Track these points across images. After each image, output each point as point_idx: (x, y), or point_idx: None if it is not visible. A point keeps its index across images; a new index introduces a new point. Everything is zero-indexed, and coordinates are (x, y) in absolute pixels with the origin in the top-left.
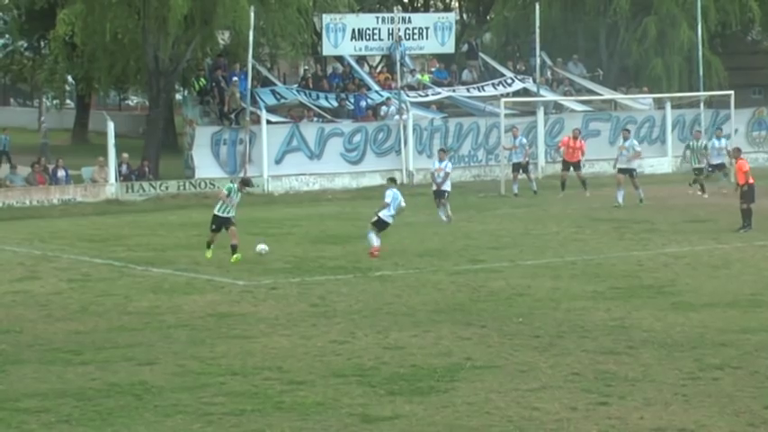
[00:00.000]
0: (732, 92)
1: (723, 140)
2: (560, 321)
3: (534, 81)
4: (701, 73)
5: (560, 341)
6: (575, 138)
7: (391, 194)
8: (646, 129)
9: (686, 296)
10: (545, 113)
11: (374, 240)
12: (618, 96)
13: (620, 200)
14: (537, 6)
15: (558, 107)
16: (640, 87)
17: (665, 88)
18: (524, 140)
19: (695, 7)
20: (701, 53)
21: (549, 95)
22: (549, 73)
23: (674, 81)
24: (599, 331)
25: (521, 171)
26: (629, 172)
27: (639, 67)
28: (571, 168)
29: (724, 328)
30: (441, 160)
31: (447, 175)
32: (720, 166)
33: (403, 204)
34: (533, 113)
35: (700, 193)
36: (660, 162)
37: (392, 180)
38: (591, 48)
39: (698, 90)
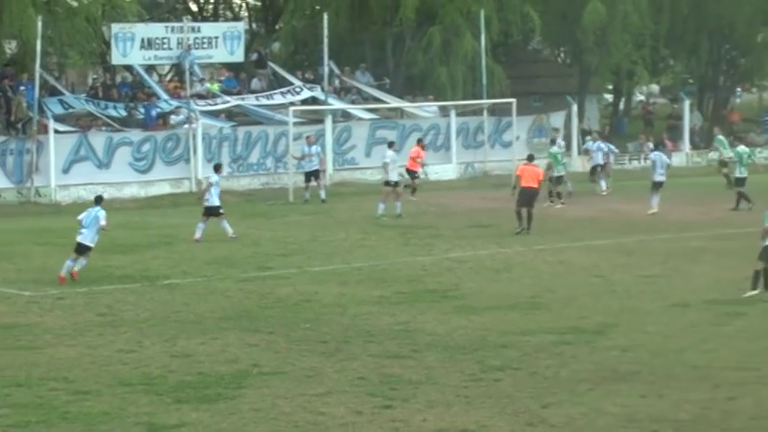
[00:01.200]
0: (514, 100)
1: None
2: (347, 326)
3: (323, 90)
4: (484, 81)
5: (346, 346)
6: (422, 147)
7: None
8: (431, 136)
9: (469, 300)
10: (333, 122)
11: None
12: (404, 105)
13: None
14: (325, 16)
15: (346, 115)
16: (426, 96)
17: (449, 96)
18: (319, 149)
19: (478, 17)
20: (484, 62)
21: (337, 104)
22: (337, 82)
23: (459, 89)
24: (384, 335)
25: (312, 179)
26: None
27: (425, 76)
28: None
29: (505, 331)
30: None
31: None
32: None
33: (102, 223)
34: (322, 122)
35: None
36: (445, 169)
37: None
38: (378, 57)
39: (481, 98)
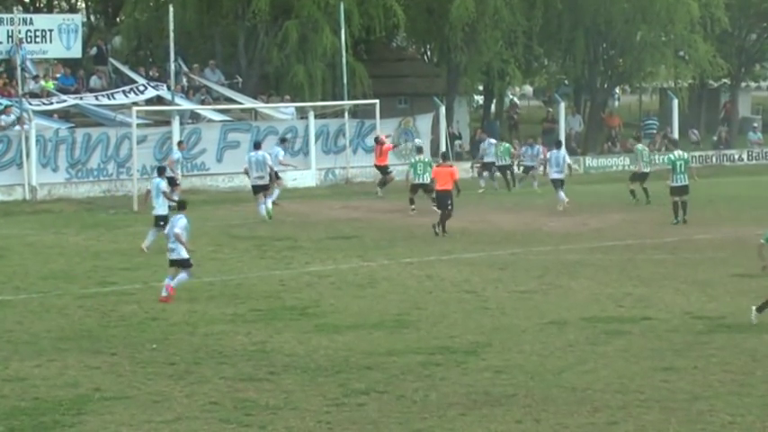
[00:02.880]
0: (377, 101)
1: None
2: (197, 347)
3: (169, 88)
4: (345, 81)
5: (197, 368)
6: (381, 143)
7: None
8: (288, 140)
9: (331, 317)
10: (181, 123)
11: None
12: (258, 105)
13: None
14: (170, 8)
15: (195, 116)
16: (282, 96)
17: (307, 97)
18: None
19: (338, 11)
20: (344, 60)
21: (184, 104)
22: (184, 80)
23: (317, 89)
24: (239, 357)
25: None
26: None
27: (281, 75)
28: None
29: (370, 351)
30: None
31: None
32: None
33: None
34: (168, 123)
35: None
36: (303, 175)
37: None
38: (229, 53)
39: (342, 99)
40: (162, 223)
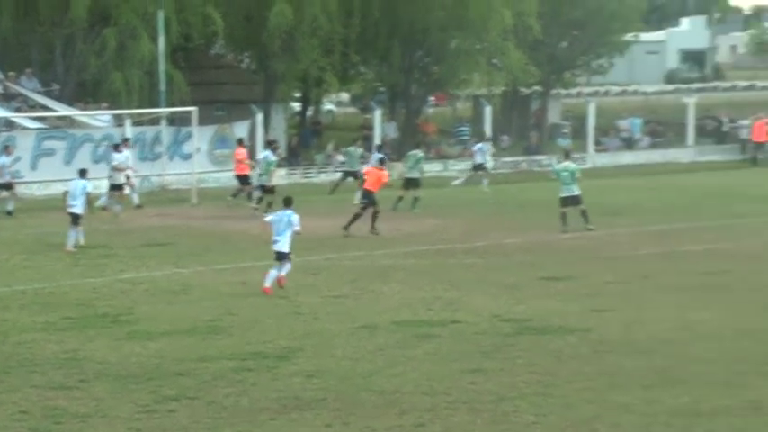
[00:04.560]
0: (195, 108)
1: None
2: (8, 355)
3: None
4: (162, 88)
5: (7, 377)
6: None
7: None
8: (104, 148)
9: (144, 324)
10: None
11: None
12: (74, 113)
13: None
14: None
15: (10, 125)
16: (99, 103)
17: (124, 104)
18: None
19: (157, 19)
20: (162, 67)
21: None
22: (0, 88)
23: (135, 96)
24: (50, 365)
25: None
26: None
27: (98, 82)
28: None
29: (182, 357)
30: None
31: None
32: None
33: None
34: None
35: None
36: None
37: None
38: (46, 60)
39: (159, 106)
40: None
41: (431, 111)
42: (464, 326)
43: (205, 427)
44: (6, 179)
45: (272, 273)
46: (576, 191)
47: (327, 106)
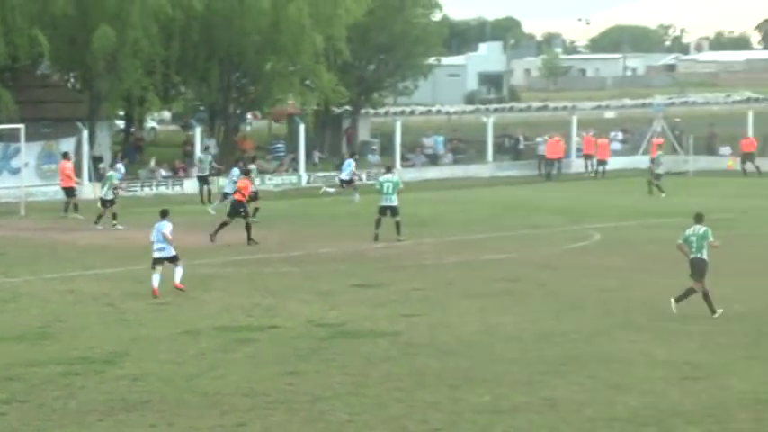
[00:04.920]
0: (22, 125)
1: None
2: None
3: None
4: None
5: None
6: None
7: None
8: None
9: None
10: None
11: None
12: None
13: None
14: None
15: None
16: None
17: None
18: None
19: None
20: None
21: None
22: None
23: None
24: None
25: None
26: None
27: None
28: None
29: (11, 363)
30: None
31: None
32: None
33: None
34: None
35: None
36: None
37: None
38: None
39: None
40: None
41: (248, 128)
42: (281, 331)
43: (35, 429)
44: None
45: (156, 276)
46: (395, 202)
47: (150, 124)
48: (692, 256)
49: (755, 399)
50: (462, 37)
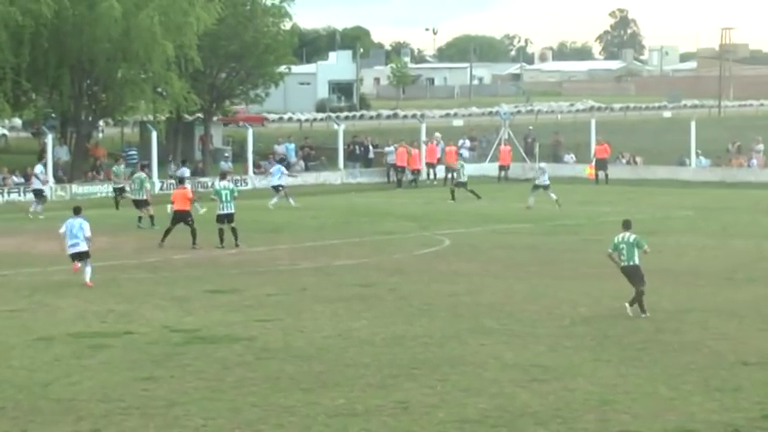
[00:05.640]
0: None
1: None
2: None
3: None
4: None
5: None
6: None
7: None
8: None
9: None
10: None
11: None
12: None
13: None
14: None
15: None
16: None
17: None
18: None
19: None
20: None
21: None
22: None
23: None
24: None
25: None
26: None
27: None
28: None
29: None
30: None
31: None
32: None
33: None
34: None
35: None
36: None
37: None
38: None
39: None
40: None
41: (101, 135)
42: (136, 336)
43: None
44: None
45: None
46: (233, 209)
47: (0, 130)
48: (623, 264)
49: (601, 400)
50: (312, 46)
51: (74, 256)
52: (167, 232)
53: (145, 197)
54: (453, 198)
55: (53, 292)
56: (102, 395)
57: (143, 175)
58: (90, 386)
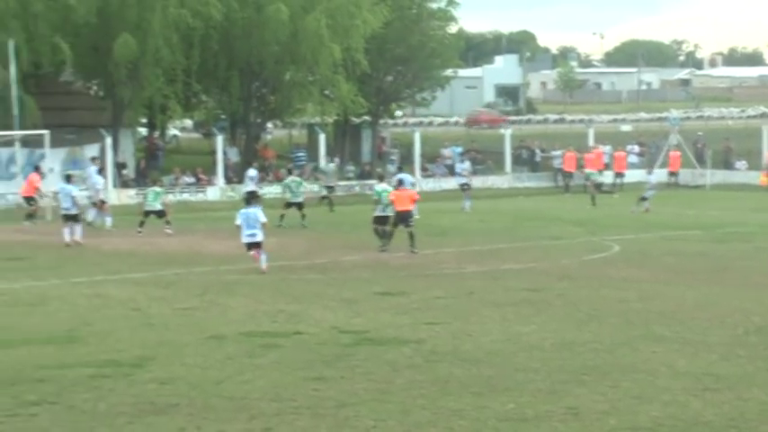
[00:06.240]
0: (47, 131)
1: None
2: None
3: None
4: (15, 112)
5: None
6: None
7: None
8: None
9: (3, 333)
10: None
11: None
12: None
13: None
14: None
15: None
16: None
17: None
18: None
19: (7, 47)
20: (15, 93)
21: None
22: None
23: None
24: None
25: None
26: None
27: None
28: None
29: (41, 365)
30: None
31: None
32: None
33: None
34: None
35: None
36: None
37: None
38: None
39: (13, 129)
40: None
41: (269, 137)
42: (306, 337)
43: (66, 431)
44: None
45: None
46: (390, 211)
47: (172, 131)
48: None
49: None
50: (478, 50)
51: (250, 246)
52: (390, 235)
53: (302, 200)
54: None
55: (224, 292)
56: (273, 394)
57: (298, 179)
58: (262, 385)
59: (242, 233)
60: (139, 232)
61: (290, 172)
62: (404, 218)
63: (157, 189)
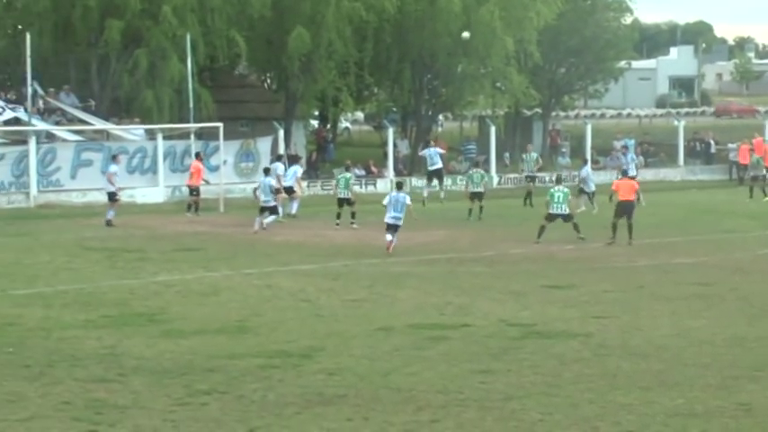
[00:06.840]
0: (221, 124)
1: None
2: (51, 350)
3: (26, 110)
4: (191, 105)
5: (51, 370)
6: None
7: (388, 198)
8: (138, 159)
9: (176, 323)
10: (37, 143)
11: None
12: (110, 127)
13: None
14: (27, 36)
15: (51, 137)
16: (132, 118)
17: (156, 119)
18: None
19: (185, 41)
20: (191, 86)
21: (40, 125)
22: (41, 103)
23: (165, 112)
24: (90, 359)
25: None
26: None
27: (131, 99)
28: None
29: (212, 354)
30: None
31: None
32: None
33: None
34: (25, 143)
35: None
36: (152, 192)
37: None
38: (83, 78)
39: (188, 122)
40: None
41: (440, 129)
42: (474, 329)
43: (235, 420)
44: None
45: (389, 237)
46: (566, 210)
47: (344, 124)
48: None
49: None
50: (653, 41)
51: (390, 228)
52: (614, 227)
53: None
54: (752, 196)
55: (392, 283)
56: (440, 386)
57: (348, 174)
58: (429, 377)
59: (387, 214)
60: (337, 225)
61: (476, 164)
62: (627, 209)
63: (347, 175)
